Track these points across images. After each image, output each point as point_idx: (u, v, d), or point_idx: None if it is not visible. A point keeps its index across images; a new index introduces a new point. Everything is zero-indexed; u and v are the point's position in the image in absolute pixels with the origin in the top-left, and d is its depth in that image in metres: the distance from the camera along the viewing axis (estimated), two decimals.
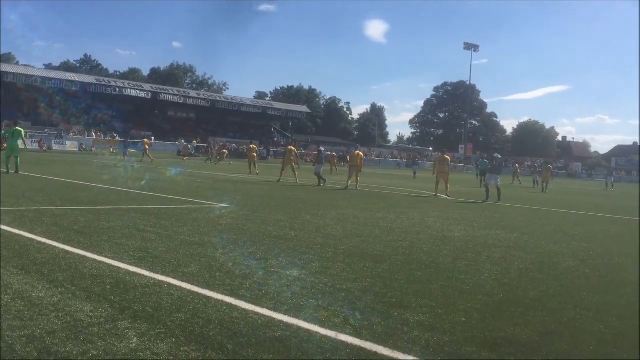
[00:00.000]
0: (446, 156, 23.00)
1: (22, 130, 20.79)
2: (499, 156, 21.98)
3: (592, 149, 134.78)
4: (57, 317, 4.15)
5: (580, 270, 7.50)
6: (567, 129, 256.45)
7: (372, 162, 72.59)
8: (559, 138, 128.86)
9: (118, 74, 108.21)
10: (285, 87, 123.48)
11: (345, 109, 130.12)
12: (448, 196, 20.64)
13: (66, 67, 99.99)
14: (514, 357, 3.97)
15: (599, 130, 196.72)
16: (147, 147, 41.91)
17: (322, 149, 26.94)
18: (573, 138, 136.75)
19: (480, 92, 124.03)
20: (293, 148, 26.26)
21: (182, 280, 5.46)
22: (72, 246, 6.77)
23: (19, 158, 18.81)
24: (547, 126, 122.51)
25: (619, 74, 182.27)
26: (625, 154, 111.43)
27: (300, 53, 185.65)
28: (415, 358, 3.81)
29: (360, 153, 23.38)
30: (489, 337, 4.38)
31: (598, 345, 4.36)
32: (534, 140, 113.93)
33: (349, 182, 22.27)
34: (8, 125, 22.50)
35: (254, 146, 32.13)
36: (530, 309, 5.27)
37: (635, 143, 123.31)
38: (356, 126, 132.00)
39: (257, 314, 4.56)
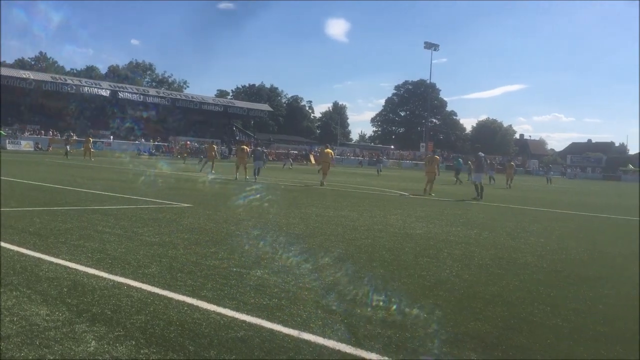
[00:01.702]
0: (436, 156, 23.66)
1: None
2: (482, 155, 22.50)
3: (549, 147, 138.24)
4: (12, 322, 4.03)
5: (537, 266, 7.67)
6: (524, 127, 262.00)
7: (334, 160, 72.80)
8: (517, 136, 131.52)
9: (75, 71, 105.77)
10: (247, 85, 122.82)
11: (307, 108, 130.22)
12: (431, 194, 21.03)
13: (20, 64, 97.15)
14: (474, 352, 4.03)
15: (555, 128, 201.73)
16: (89, 145, 40.44)
17: (260, 148, 29.47)
18: (530, 136, 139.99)
19: (440, 90, 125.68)
20: (245, 147, 27.26)
21: (142, 282, 5.37)
22: (27, 248, 6.58)
23: None
24: (505, 124, 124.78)
25: (574, 73, 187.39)
26: (579, 151, 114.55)
27: (262, 51, 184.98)
28: (377, 355, 3.83)
29: (330, 151, 24.81)
30: (450, 332, 4.44)
31: (555, 339, 4.46)
32: (492, 138, 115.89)
33: (322, 179, 23.51)
34: None
35: (214, 145, 32.44)
36: (490, 304, 5.36)
37: (589, 140, 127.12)
38: (318, 125, 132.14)
39: (219, 314, 4.52)
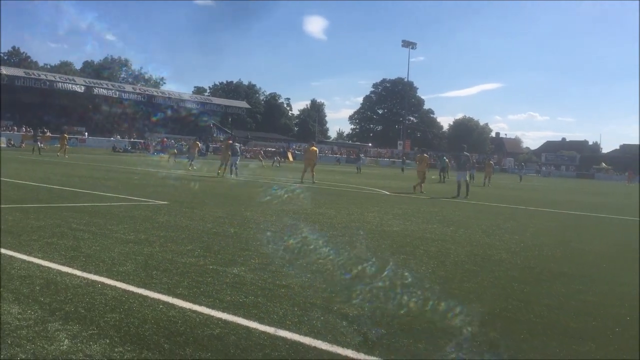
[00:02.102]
0: (425, 155, 24.48)
1: None
2: (466, 154, 22.74)
3: (524, 145, 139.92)
4: None
5: (512, 262, 7.76)
6: (500, 125, 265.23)
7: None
8: (493, 134, 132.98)
9: (49, 67, 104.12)
10: (225, 82, 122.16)
11: (285, 105, 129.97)
12: (422, 192, 21.52)
13: None
14: (449, 348, 4.07)
15: (530, 127, 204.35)
16: (65, 142, 39.69)
17: (235, 143, 29.67)
18: (506, 134, 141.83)
19: (417, 89, 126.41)
20: (230, 142, 28.12)
21: (117, 280, 5.32)
22: None
23: None
24: (482, 122, 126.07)
25: (549, 73, 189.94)
26: (554, 150, 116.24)
27: (240, 48, 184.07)
28: (353, 351, 3.85)
29: (315, 148, 25.50)
30: (425, 328, 4.48)
31: (529, 334, 4.52)
32: (469, 137, 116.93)
33: (304, 175, 23.99)
34: None
35: (198, 142, 33.89)
36: (465, 301, 5.41)
37: (563, 139, 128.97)
38: (296, 122, 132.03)
39: (195, 312, 4.49)
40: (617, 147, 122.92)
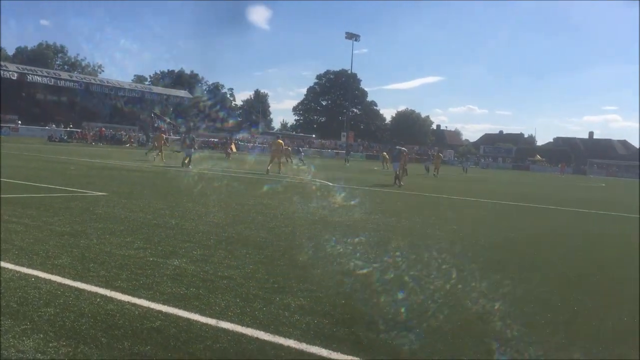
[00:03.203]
0: (403, 149, 26.08)
1: None
2: (399, 148, 26.56)
3: (463, 137, 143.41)
4: None
5: (450, 252, 7.96)
6: (441, 118, 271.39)
7: (255, 150, 72.32)
8: (434, 126, 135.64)
9: None
10: (166, 71, 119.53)
11: (228, 95, 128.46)
12: (401, 183, 22.73)
13: None
14: (388, 335, 4.15)
15: (469, 120, 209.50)
16: None
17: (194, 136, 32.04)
18: (446, 127, 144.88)
19: (361, 81, 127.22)
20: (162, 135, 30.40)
21: (52, 273, 5.14)
22: None
23: None
24: (423, 115, 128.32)
25: (487, 67, 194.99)
26: (491, 142, 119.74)
27: (182, 36, 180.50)
28: (295, 341, 3.87)
29: (281, 141, 27.66)
30: (365, 315, 4.54)
31: (465, 321, 4.66)
32: (411, 128, 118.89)
33: (269, 167, 25.17)
34: None
35: (163, 134, 34.16)
36: (404, 289, 5.52)
37: (501, 132, 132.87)
38: (239, 112, 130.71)
39: (134, 304, 4.41)
40: (551, 140, 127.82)
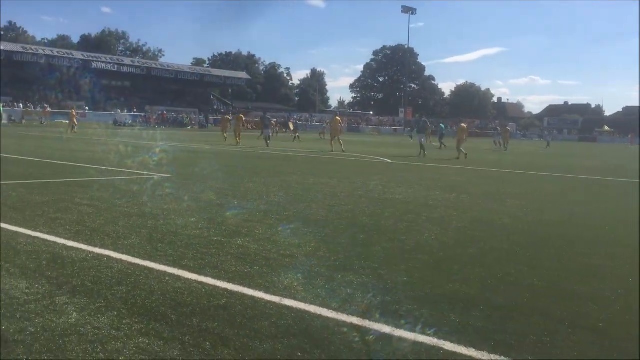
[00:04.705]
0: (463, 125, 26.28)
1: None
2: (424, 120, 29.88)
3: (526, 110, 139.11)
4: None
5: (514, 227, 7.78)
6: (502, 91, 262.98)
7: (314, 127, 72.54)
8: (494, 99, 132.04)
9: (46, 41, 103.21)
10: (224, 53, 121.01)
11: (285, 75, 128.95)
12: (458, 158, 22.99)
13: None
14: (453, 313, 4.10)
15: (531, 92, 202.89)
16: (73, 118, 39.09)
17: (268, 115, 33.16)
18: (507, 99, 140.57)
19: (418, 55, 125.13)
20: (242, 116, 32.82)
21: (122, 253, 5.35)
22: (4, 222, 6.49)
23: None
24: (483, 88, 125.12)
25: (550, 36, 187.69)
26: (556, 114, 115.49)
27: (238, 19, 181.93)
28: (358, 318, 3.89)
29: (339, 118, 28.63)
30: (429, 294, 4.51)
31: (532, 296, 4.56)
32: (471, 102, 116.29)
33: (332, 144, 26.67)
34: None
35: (228, 117, 36.51)
36: (468, 266, 5.45)
37: (566, 103, 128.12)
38: (297, 92, 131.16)
39: (200, 283, 4.53)
40: (620, 110, 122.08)
